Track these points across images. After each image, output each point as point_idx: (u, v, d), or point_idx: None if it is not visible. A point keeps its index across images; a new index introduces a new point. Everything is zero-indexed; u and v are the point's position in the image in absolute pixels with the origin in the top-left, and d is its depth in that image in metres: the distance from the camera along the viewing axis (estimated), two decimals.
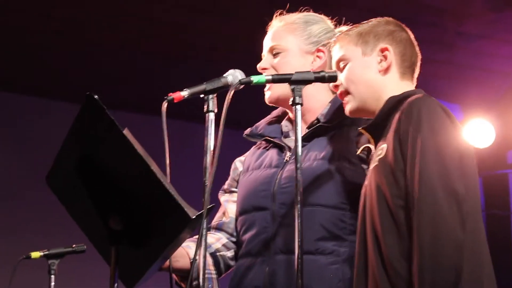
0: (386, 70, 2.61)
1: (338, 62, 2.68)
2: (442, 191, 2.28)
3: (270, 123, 3.00)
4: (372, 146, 2.62)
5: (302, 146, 2.75)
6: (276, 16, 2.98)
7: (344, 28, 2.85)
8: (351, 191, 2.71)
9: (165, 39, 5.95)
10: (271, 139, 2.94)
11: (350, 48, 2.65)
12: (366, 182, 2.56)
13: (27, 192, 5.95)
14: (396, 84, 2.61)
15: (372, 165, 2.53)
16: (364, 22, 2.70)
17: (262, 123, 3.02)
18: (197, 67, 5.92)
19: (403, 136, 2.41)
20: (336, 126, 2.83)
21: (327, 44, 2.89)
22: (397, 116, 2.47)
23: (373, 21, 2.69)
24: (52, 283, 3.58)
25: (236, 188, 2.99)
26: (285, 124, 2.96)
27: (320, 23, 2.95)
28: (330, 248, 2.71)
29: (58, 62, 6.09)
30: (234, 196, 2.98)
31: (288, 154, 2.86)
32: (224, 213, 2.97)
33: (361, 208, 2.55)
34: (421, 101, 2.45)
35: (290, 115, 2.96)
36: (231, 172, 3.04)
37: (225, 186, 3.03)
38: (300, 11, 3.00)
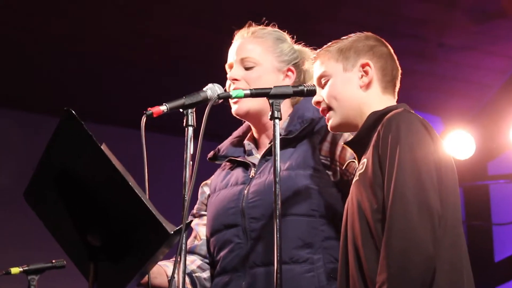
0: (367, 85, 2.62)
1: (319, 78, 2.68)
2: (416, 206, 2.28)
3: (232, 144, 3.01)
4: (355, 161, 2.62)
5: (266, 161, 2.78)
6: (246, 26, 2.99)
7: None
8: (319, 198, 2.73)
9: (146, 52, 5.94)
10: (235, 159, 2.94)
11: (331, 64, 2.66)
12: (348, 198, 2.56)
13: (6, 207, 5.91)
14: (378, 98, 2.62)
15: (354, 180, 2.53)
16: (343, 37, 2.71)
17: (224, 144, 3.02)
18: (178, 80, 5.92)
19: (381, 151, 2.41)
20: (297, 137, 2.84)
21: (296, 64, 2.94)
22: (377, 131, 2.48)
23: (353, 36, 2.70)
24: None
25: (205, 211, 2.99)
26: (247, 143, 2.97)
27: (287, 42, 2.99)
28: (305, 256, 2.71)
29: (38, 75, 6.06)
30: (204, 220, 2.98)
31: (253, 170, 2.87)
32: (195, 237, 2.96)
33: (343, 223, 2.55)
34: (400, 116, 2.45)
35: (254, 132, 2.97)
36: (199, 196, 3.04)
37: (194, 211, 3.03)
38: (266, 25, 3.01)
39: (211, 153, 3.02)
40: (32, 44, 5.78)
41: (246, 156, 2.94)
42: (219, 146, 3.03)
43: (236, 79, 2.89)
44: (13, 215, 5.69)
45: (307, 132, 2.85)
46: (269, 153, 2.81)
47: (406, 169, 2.33)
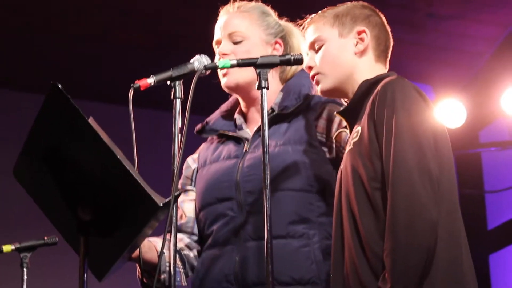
0: (362, 53, 2.63)
1: (313, 43, 2.68)
2: (417, 171, 2.28)
3: (221, 117, 3.00)
4: (347, 131, 2.62)
5: (260, 136, 2.76)
6: (231, 1, 2.98)
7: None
8: (316, 173, 2.73)
9: (132, 28, 5.91)
10: (226, 133, 2.93)
11: (326, 29, 2.66)
12: (341, 166, 2.56)
13: None
14: (371, 67, 2.63)
15: (347, 149, 2.53)
16: (338, 5, 2.71)
17: (212, 118, 3.01)
18: (165, 56, 5.90)
19: (377, 118, 2.41)
20: (292, 112, 2.84)
21: (282, 37, 2.95)
22: (370, 99, 2.48)
23: (349, 4, 2.71)
24: (25, 277, 3.56)
25: (190, 186, 2.98)
26: (238, 117, 2.97)
27: (272, 15, 2.99)
28: (301, 231, 2.71)
29: (23, 53, 6.03)
30: (190, 195, 2.97)
31: (247, 144, 2.87)
32: (181, 216, 2.95)
33: (336, 192, 2.55)
34: (395, 83, 2.45)
35: (243, 106, 2.97)
36: (183, 171, 3.02)
37: (179, 186, 3.00)
38: (250, 0, 3.01)
39: (199, 126, 3.01)
40: (19, 24, 5.75)
41: (237, 131, 2.93)
42: (207, 119, 3.01)
43: (225, 54, 2.88)
44: (3, 192, 5.69)
45: (302, 108, 2.85)
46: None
47: (404, 135, 2.33)
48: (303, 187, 2.73)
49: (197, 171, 2.98)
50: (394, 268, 2.23)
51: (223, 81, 2.90)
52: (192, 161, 3.02)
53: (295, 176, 2.73)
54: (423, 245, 2.23)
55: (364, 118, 2.47)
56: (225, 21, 2.93)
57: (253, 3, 2.99)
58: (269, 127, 2.80)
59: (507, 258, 6.62)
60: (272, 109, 2.86)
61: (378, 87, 2.47)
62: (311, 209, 2.73)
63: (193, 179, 2.98)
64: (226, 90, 2.93)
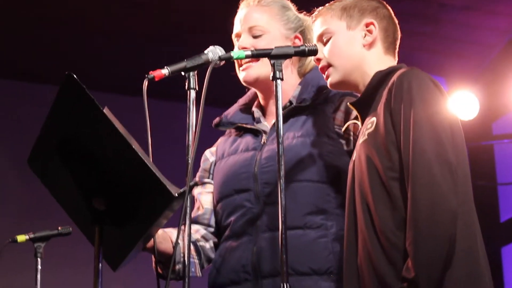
0: (370, 45, 2.63)
1: (320, 35, 2.68)
2: (437, 162, 2.29)
3: (239, 111, 3.00)
4: (358, 122, 2.62)
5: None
6: None
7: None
8: (333, 165, 2.74)
9: (147, 19, 5.92)
10: (244, 126, 2.93)
11: (334, 21, 2.66)
12: (354, 157, 2.56)
13: (10, 175, 5.92)
14: (380, 59, 2.63)
15: (360, 140, 2.53)
16: None
17: (230, 111, 3.01)
18: (179, 48, 5.90)
19: (394, 108, 2.41)
20: (310, 105, 2.84)
21: (302, 31, 2.94)
22: (385, 90, 2.48)
23: None
24: (39, 266, 3.58)
25: (208, 178, 2.99)
26: (256, 110, 2.97)
27: (292, 9, 2.98)
28: (318, 222, 2.72)
29: (37, 45, 6.05)
30: (208, 188, 2.97)
31: (265, 136, 2.87)
32: (198, 207, 2.96)
33: (349, 182, 2.56)
34: (411, 73, 2.45)
35: (261, 100, 2.97)
36: (201, 164, 3.03)
37: (197, 179, 3.01)
38: None
39: (217, 119, 3.01)
40: (29, 13, 5.76)
41: (255, 123, 2.94)
42: (225, 113, 3.02)
43: (245, 47, 2.87)
44: (19, 182, 5.71)
45: (320, 101, 2.85)
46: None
47: (423, 125, 2.34)
48: (320, 178, 2.74)
49: (215, 164, 2.98)
50: (417, 257, 2.24)
51: (242, 76, 2.90)
52: (210, 154, 3.02)
53: (313, 168, 2.74)
54: (445, 234, 2.24)
55: (380, 109, 2.47)
56: (245, 14, 2.93)
57: None
58: (287, 119, 2.83)
59: None
60: (290, 102, 2.86)
61: (394, 78, 2.47)
62: (328, 200, 2.73)
63: (211, 171, 2.98)
64: (244, 84, 2.93)
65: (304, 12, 3.00)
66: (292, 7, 2.99)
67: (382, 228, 2.37)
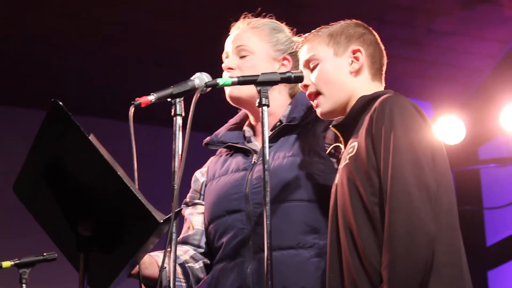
0: (357, 72, 2.64)
1: (307, 61, 2.69)
2: (415, 186, 2.30)
3: (230, 130, 3.01)
4: (341, 145, 2.63)
5: (269, 147, 2.76)
6: (242, 18, 3.00)
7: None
8: (325, 184, 2.73)
9: (132, 43, 5.92)
10: (234, 145, 2.94)
11: (321, 48, 2.67)
12: (336, 181, 2.57)
13: None
14: (368, 85, 2.64)
15: (342, 163, 2.54)
16: (332, 23, 2.72)
17: (221, 130, 3.02)
18: (165, 71, 5.92)
19: (375, 134, 2.43)
20: (300, 124, 2.85)
21: (292, 53, 2.93)
22: (368, 115, 2.49)
23: (342, 22, 2.72)
24: None
25: (199, 199, 2.99)
26: (247, 129, 2.97)
27: (284, 32, 2.99)
28: (311, 241, 2.72)
29: (23, 68, 6.04)
30: (198, 208, 2.97)
31: (255, 156, 2.88)
32: (189, 227, 2.96)
33: (331, 206, 2.56)
34: (393, 99, 2.47)
35: (251, 119, 2.98)
36: (192, 184, 3.03)
37: (187, 199, 3.02)
38: (264, 17, 3.02)
39: (208, 138, 3.01)
40: (17, 38, 5.76)
41: (245, 143, 2.94)
42: (216, 132, 3.02)
43: (231, 68, 2.89)
44: (3, 208, 5.69)
45: (310, 119, 2.86)
46: (271, 140, 2.81)
47: (403, 150, 2.35)
48: (312, 197, 2.74)
49: (205, 185, 2.98)
50: (392, 280, 2.24)
51: (227, 91, 2.92)
52: (200, 175, 3.02)
53: (304, 187, 2.74)
54: (422, 258, 2.25)
55: (362, 133, 2.48)
56: (235, 35, 2.95)
57: (264, 20, 2.99)
58: (278, 138, 2.85)
59: (505, 274, 6.61)
60: (281, 121, 2.87)
61: (376, 103, 2.48)
62: (321, 219, 2.73)
63: (202, 192, 2.99)
64: (230, 101, 2.94)
65: (300, 35, 3.01)
66: (286, 29, 3.00)
67: (365, 252, 2.37)
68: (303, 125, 2.85)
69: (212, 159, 3.03)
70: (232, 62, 2.91)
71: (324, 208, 2.72)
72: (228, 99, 2.93)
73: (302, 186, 2.75)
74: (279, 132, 2.85)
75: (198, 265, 2.90)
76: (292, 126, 2.85)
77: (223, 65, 2.93)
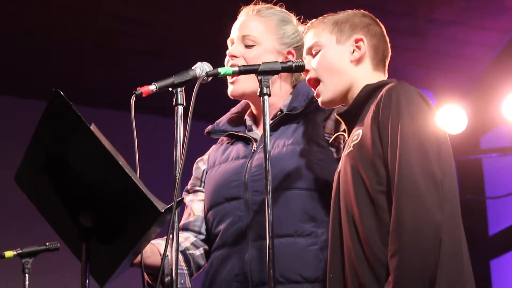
0: (358, 61, 2.63)
1: (310, 48, 2.69)
2: (423, 176, 2.30)
3: (231, 119, 3.01)
4: (345, 134, 2.63)
5: (269, 136, 2.76)
6: (251, 4, 2.97)
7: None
8: (323, 173, 2.74)
9: (133, 35, 5.92)
10: (235, 133, 2.94)
11: (324, 35, 2.67)
12: (339, 168, 2.57)
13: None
14: (369, 74, 2.63)
15: (346, 151, 2.54)
16: (339, 12, 2.72)
17: (223, 119, 3.02)
18: (167, 63, 5.91)
19: (382, 122, 2.42)
20: (301, 113, 2.85)
21: (297, 47, 2.92)
22: (374, 103, 2.49)
23: (349, 12, 2.71)
24: (27, 282, 3.57)
25: (200, 187, 2.99)
26: (248, 118, 2.97)
27: (292, 24, 2.96)
28: (309, 229, 2.72)
29: (24, 60, 6.04)
30: (199, 195, 2.98)
31: (255, 144, 2.88)
32: (189, 214, 2.96)
33: (334, 193, 2.56)
34: (399, 87, 2.46)
35: (253, 109, 2.97)
36: (193, 172, 3.03)
37: (189, 187, 3.02)
38: (273, 4, 2.99)
39: (209, 127, 3.01)
40: (19, 30, 5.76)
41: (246, 131, 2.94)
42: (218, 121, 3.02)
43: (234, 56, 2.88)
44: (6, 198, 5.69)
45: (311, 109, 2.85)
46: (271, 128, 2.80)
47: (410, 139, 2.35)
48: (310, 186, 2.74)
49: (206, 172, 2.98)
50: (402, 270, 2.24)
51: (229, 89, 2.90)
52: (202, 163, 3.03)
53: (303, 176, 2.74)
54: (428, 247, 2.25)
55: (367, 121, 2.48)
56: (242, 22, 2.93)
57: (274, 9, 2.97)
58: (278, 127, 2.85)
59: (508, 263, 6.62)
60: (281, 110, 2.86)
61: (383, 91, 2.48)
62: (319, 208, 2.73)
63: (203, 180, 2.99)
64: (231, 97, 2.94)
65: (306, 22, 2.99)
66: (294, 19, 2.98)
67: (367, 240, 2.37)
68: (303, 115, 2.85)
69: (213, 147, 3.04)
70: (237, 50, 2.89)
71: (322, 197, 2.73)
72: (230, 94, 2.92)
73: (301, 175, 2.75)
74: (280, 121, 2.85)
75: (198, 252, 2.91)
76: (293, 116, 2.85)
77: (227, 51, 2.92)
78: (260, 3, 2.99)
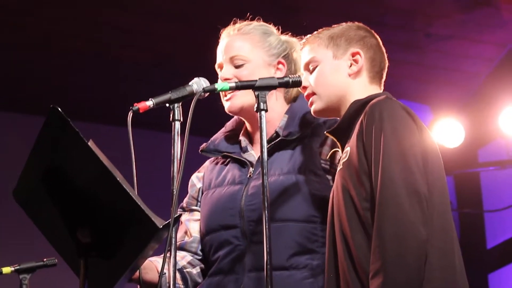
0: (356, 74, 2.63)
1: (307, 64, 2.69)
2: (404, 191, 2.29)
3: (226, 137, 2.98)
4: (339, 150, 2.63)
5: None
6: (231, 24, 2.96)
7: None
8: (320, 203, 2.70)
9: (130, 47, 5.93)
10: (230, 155, 2.92)
11: (320, 50, 2.67)
12: (333, 187, 2.57)
13: None
14: (364, 88, 2.63)
15: (338, 169, 2.54)
16: (334, 25, 2.72)
17: (217, 137, 2.99)
18: (163, 75, 5.92)
19: (366, 138, 2.42)
20: (296, 138, 2.82)
21: (285, 56, 2.92)
22: (360, 119, 2.49)
23: (344, 25, 2.71)
24: None
25: (196, 206, 2.97)
26: (243, 139, 2.94)
27: (274, 34, 2.95)
28: (304, 262, 2.70)
29: (21, 74, 6.04)
30: (195, 215, 2.95)
31: (251, 169, 2.85)
32: (186, 232, 2.93)
33: (329, 213, 2.56)
34: (383, 103, 2.46)
35: (248, 127, 2.95)
36: (189, 189, 3.01)
37: (184, 204, 2.99)
38: (250, 20, 2.98)
39: (204, 145, 2.99)
40: (13, 43, 5.77)
41: (242, 153, 2.91)
42: (212, 138, 2.99)
43: (227, 78, 2.85)
44: (3, 213, 5.68)
45: (307, 134, 2.83)
46: (267, 153, 2.79)
47: (392, 154, 2.34)
48: (306, 217, 2.71)
49: (202, 191, 2.96)
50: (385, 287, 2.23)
51: (226, 106, 2.88)
52: (197, 180, 3.00)
53: (299, 207, 2.71)
54: (413, 261, 2.24)
55: (353, 138, 2.48)
56: (226, 44, 2.91)
57: (254, 24, 2.95)
58: (273, 152, 2.82)
59: (506, 277, 6.61)
60: (277, 133, 2.84)
61: (367, 108, 2.48)
62: (315, 239, 2.71)
63: (199, 199, 2.96)
64: (229, 113, 2.92)
65: (289, 34, 3.00)
66: (274, 30, 2.97)
67: (359, 258, 2.37)
68: (299, 139, 2.82)
69: (208, 166, 3.01)
70: (228, 72, 2.87)
71: (319, 228, 2.70)
72: (227, 111, 2.90)
73: (296, 206, 2.72)
74: (275, 146, 2.82)
75: (195, 270, 2.89)
76: (288, 141, 2.82)
77: (219, 76, 2.89)
78: (238, 21, 2.97)
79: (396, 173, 2.31)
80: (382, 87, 2.69)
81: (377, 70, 2.66)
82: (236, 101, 2.86)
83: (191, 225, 2.94)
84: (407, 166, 2.33)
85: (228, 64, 2.89)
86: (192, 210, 2.97)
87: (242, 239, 2.76)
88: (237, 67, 2.87)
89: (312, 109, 2.66)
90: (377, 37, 2.71)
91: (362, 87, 2.63)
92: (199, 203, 2.97)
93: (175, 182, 2.49)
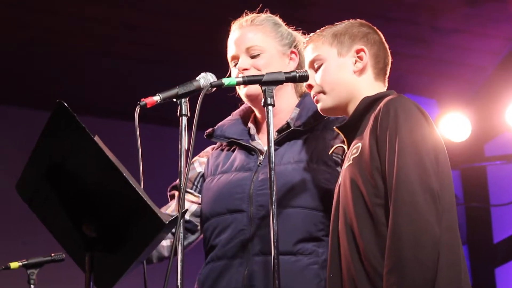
0: (361, 71, 2.64)
1: (312, 62, 2.69)
2: (420, 188, 2.30)
3: (233, 124, 2.99)
4: (345, 146, 2.63)
5: (275, 149, 2.75)
6: (242, 16, 2.98)
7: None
8: (329, 193, 2.71)
9: (137, 43, 5.93)
10: (238, 141, 2.93)
11: (325, 48, 2.67)
12: (339, 181, 2.57)
13: (1, 201, 5.90)
14: (370, 85, 2.64)
15: (346, 164, 2.54)
16: (337, 23, 2.72)
17: (225, 123, 3.00)
18: (170, 70, 5.92)
19: (380, 135, 2.43)
20: (309, 130, 2.84)
21: (297, 46, 2.94)
22: (372, 116, 2.49)
23: (347, 22, 2.72)
24: None
25: (191, 189, 2.97)
26: (251, 126, 2.96)
27: (283, 25, 2.99)
28: (310, 248, 2.72)
29: (26, 69, 6.05)
30: (188, 197, 2.94)
31: (261, 157, 2.86)
32: (172, 211, 2.91)
33: (334, 206, 2.56)
34: (397, 101, 2.47)
35: (257, 113, 2.96)
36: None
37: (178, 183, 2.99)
38: (258, 12, 3.01)
39: (210, 130, 3.00)
40: (18, 39, 5.77)
41: (250, 141, 2.93)
42: (220, 124, 3.01)
43: (246, 68, 2.88)
44: (10, 209, 5.69)
45: (320, 126, 2.85)
46: (278, 142, 2.82)
47: (407, 152, 2.35)
48: (314, 205, 2.73)
49: (201, 176, 2.97)
50: (399, 285, 2.23)
51: (243, 90, 2.90)
52: (198, 164, 3.01)
53: (308, 194, 2.74)
54: (429, 260, 2.25)
55: (366, 135, 2.48)
56: (240, 35, 2.94)
57: (264, 15, 2.98)
58: (284, 142, 2.84)
59: None
60: (288, 124, 2.86)
61: (381, 105, 2.48)
62: (321, 227, 2.73)
63: (195, 183, 2.97)
64: (246, 99, 2.93)
65: (293, 28, 3.02)
66: (282, 23, 3.00)
67: (367, 254, 2.37)
68: (311, 131, 2.85)
69: (212, 152, 3.02)
70: (246, 63, 2.90)
71: (326, 217, 2.71)
72: (244, 98, 2.92)
73: (306, 193, 2.74)
74: (286, 136, 2.84)
75: (165, 243, 2.89)
76: (300, 131, 2.84)
77: (237, 67, 2.91)
78: (249, 13, 3.00)
79: (412, 171, 2.32)
80: (387, 84, 2.69)
81: (381, 66, 2.67)
82: (250, 89, 2.87)
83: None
84: (422, 163, 2.34)
85: (244, 55, 2.91)
86: (186, 192, 2.95)
87: (248, 224, 2.77)
88: (253, 57, 2.91)
89: (320, 107, 2.66)
90: (380, 33, 2.72)
91: (369, 84, 2.64)
92: (194, 187, 2.97)
93: (182, 176, 2.49)
